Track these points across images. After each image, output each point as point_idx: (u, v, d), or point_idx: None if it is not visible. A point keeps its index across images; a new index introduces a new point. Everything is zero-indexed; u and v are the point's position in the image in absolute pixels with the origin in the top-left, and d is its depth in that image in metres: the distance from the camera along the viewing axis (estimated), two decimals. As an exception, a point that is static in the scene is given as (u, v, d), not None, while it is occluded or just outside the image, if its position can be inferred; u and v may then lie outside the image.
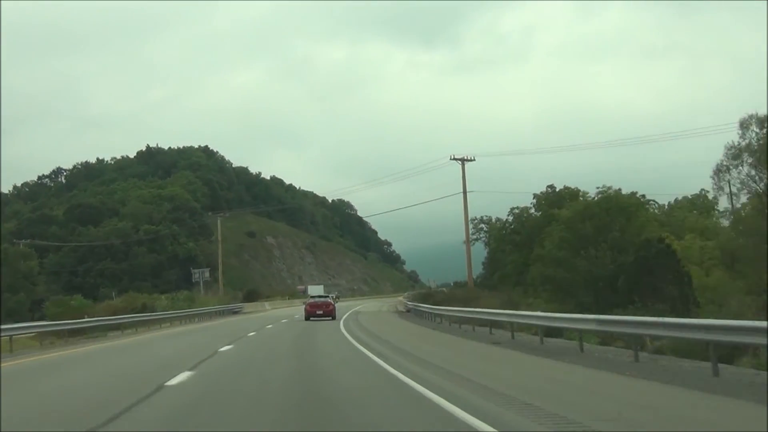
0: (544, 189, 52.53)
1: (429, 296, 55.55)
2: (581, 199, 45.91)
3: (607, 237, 40.70)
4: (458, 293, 38.53)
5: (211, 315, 49.27)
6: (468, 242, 46.66)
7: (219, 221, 75.32)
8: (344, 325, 34.26)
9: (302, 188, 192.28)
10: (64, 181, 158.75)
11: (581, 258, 38.85)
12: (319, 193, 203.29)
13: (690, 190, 61.68)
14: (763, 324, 11.57)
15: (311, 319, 43.11)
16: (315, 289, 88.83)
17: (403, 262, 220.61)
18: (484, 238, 79.15)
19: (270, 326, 35.78)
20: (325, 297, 51.31)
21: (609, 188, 43.75)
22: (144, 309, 42.97)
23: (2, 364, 18.32)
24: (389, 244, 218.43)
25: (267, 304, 64.15)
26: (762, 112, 37.16)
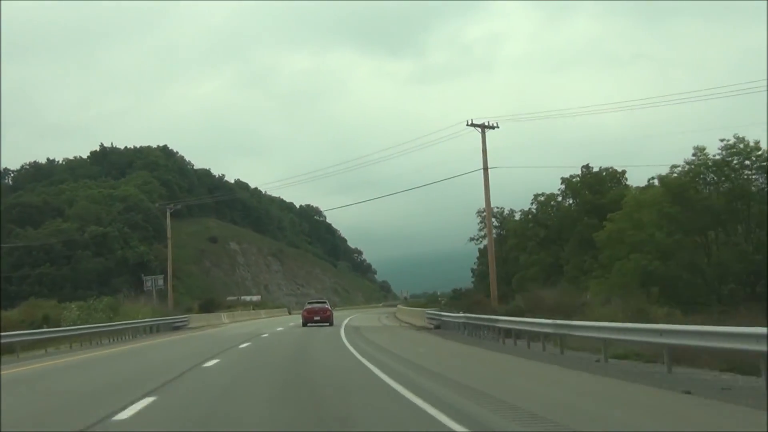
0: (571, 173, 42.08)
1: (456, 303, 43.44)
2: (625, 183, 35.76)
3: (740, 215, 30.05)
4: (547, 298, 26.01)
5: (137, 331, 35.67)
6: (490, 233, 36.02)
7: (168, 214, 64.78)
8: (380, 367, 16.69)
9: (269, 193, 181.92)
10: (10, 182, 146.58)
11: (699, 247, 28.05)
12: (287, 198, 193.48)
13: None
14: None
15: (309, 325, 42.85)
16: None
17: (374, 272, 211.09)
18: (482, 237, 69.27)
19: (213, 362, 19.02)
20: (323, 302, 51.24)
21: (741, 139, 30.87)
22: (45, 323, 31.94)
23: None
24: (359, 253, 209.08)
25: (225, 316, 53.02)
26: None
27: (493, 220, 50.69)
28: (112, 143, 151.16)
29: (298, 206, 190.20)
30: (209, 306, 66.56)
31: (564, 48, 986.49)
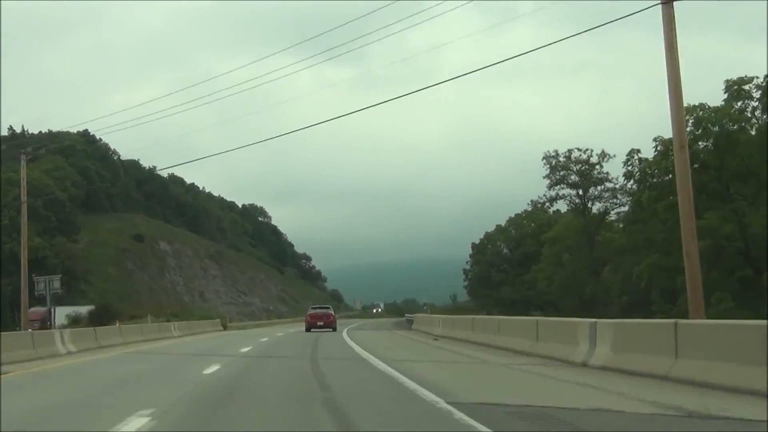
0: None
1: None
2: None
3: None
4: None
5: None
6: (685, 140, 17.62)
7: (24, 163, 45.01)
8: None
9: (207, 189, 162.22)
10: None
11: None
12: (228, 197, 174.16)
13: None
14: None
15: (312, 330, 43.73)
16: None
17: (324, 279, 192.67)
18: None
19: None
20: (326, 308, 51.43)
21: None
22: None
23: None
24: (308, 259, 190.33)
25: (119, 336, 30.15)
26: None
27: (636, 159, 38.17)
28: (23, 126, 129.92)
29: (240, 206, 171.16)
30: (106, 314, 47.44)
31: (507, 56, 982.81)
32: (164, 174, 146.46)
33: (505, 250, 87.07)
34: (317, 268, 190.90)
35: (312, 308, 51.52)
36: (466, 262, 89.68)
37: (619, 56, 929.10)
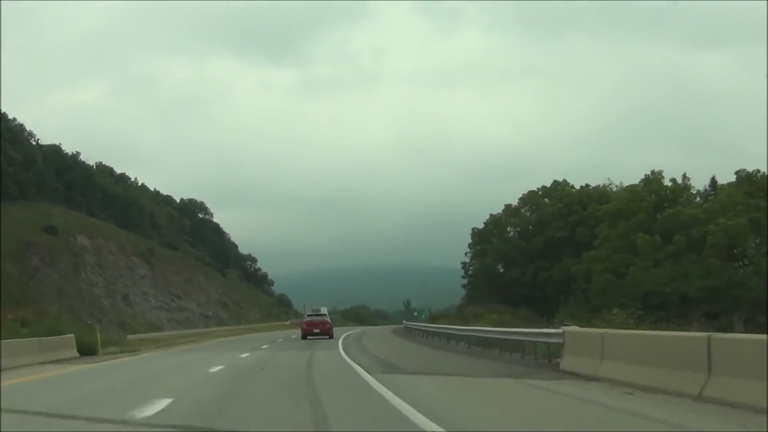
0: None
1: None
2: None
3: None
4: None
5: None
6: None
7: None
8: None
9: (140, 180, 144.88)
10: None
11: None
12: (164, 190, 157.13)
13: None
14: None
15: (308, 338, 43.41)
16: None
17: (271, 283, 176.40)
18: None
19: None
20: (323, 315, 50.14)
21: None
22: None
23: None
24: (253, 260, 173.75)
25: None
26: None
27: None
28: None
29: (178, 200, 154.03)
30: None
31: (452, 62, 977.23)
32: (90, 163, 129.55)
33: (511, 233, 73.11)
34: (263, 271, 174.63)
35: (308, 315, 50.74)
36: (465, 254, 75.10)
37: (564, 62, 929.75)
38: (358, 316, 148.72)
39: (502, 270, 71.39)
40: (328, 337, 43.39)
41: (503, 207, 74.91)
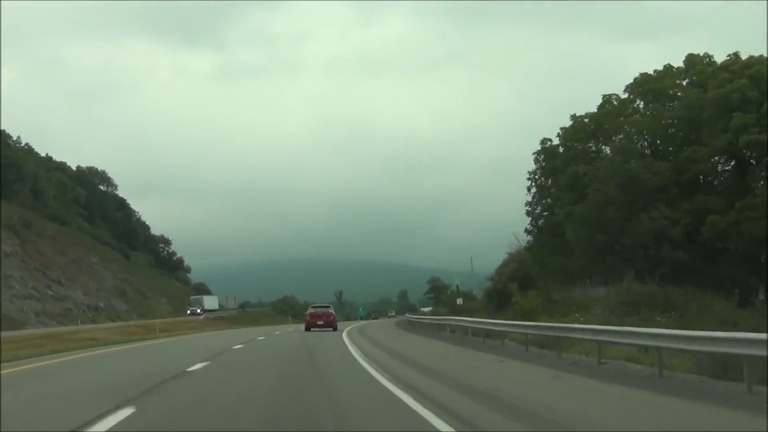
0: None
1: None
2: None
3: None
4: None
5: None
6: None
7: None
8: None
9: (27, 142, 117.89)
10: None
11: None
12: (57, 156, 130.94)
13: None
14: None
15: (312, 330, 42.77)
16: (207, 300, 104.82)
17: (188, 270, 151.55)
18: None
19: None
20: (326, 307, 50.27)
21: None
22: None
23: None
24: (167, 243, 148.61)
25: None
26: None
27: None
28: None
29: (74, 168, 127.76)
30: None
31: (376, 49, 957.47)
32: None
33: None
34: (179, 255, 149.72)
35: (312, 307, 50.83)
36: (528, 187, 48.10)
37: (487, 51, 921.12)
38: (293, 309, 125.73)
39: (612, 217, 39.75)
40: (332, 329, 42.85)
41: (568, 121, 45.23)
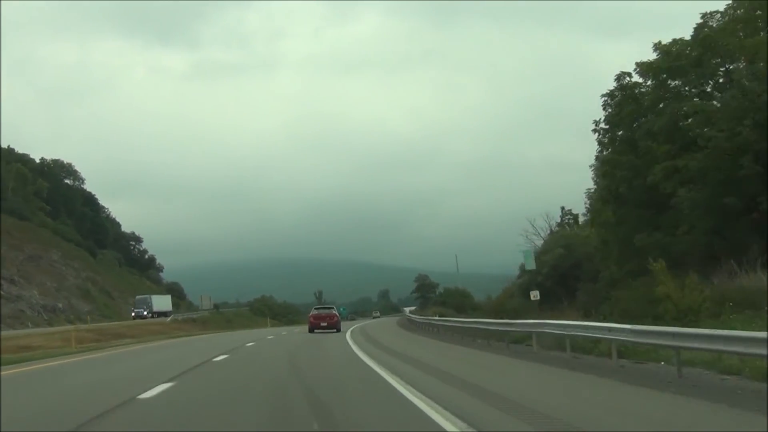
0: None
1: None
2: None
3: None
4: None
5: None
6: None
7: None
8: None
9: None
10: None
11: None
12: (20, 148, 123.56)
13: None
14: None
15: (315, 331, 42.99)
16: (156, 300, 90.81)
17: (160, 269, 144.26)
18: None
19: None
20: (330, 308, 51.65)
21: None
22: None
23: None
24: (138, 240, 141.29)
25: None
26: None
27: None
28: None
29: (38, 160, 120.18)
30: None
31: (351, 47, 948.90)
32: None
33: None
34: (151, 253, 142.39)
35: (315, 309, 51.55)
36: (599, 140, 36.79)
37: (464, 48, 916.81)
38: (271, 310, 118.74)
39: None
40: (335, 330, 43.16)
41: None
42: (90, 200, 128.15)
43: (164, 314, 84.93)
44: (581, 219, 55.02)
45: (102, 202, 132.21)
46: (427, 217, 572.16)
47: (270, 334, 48.03)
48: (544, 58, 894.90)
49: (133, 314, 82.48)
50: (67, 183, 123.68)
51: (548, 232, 60.06)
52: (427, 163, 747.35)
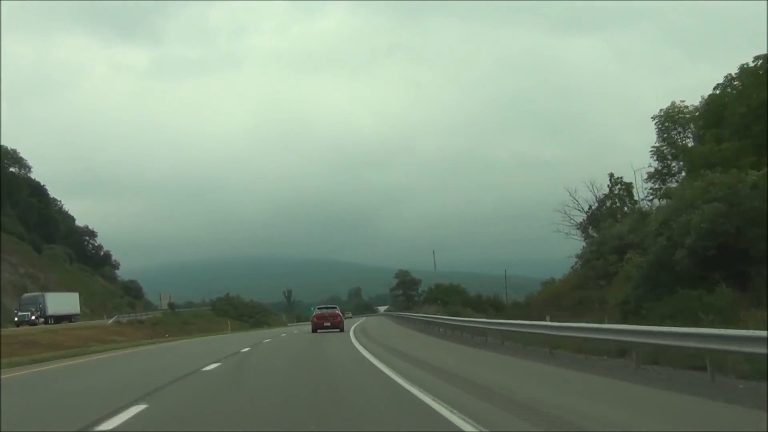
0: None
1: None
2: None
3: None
4: None
5: None
6: None
7: None
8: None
9: None
10: None
11: None
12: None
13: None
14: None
15: (319, 331, 43.45)
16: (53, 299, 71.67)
17: (116, 266, 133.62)
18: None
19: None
20: (333, 308, 51.29)
21: None
22: None
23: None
24: (92, 235, 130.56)
25: None
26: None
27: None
28: None
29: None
30: None
31: (316, 44, 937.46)
32: None
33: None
34: (106, 249, 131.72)
35: (318, 309, 51.27)
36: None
37: (431, 45, 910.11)
38: (237, 310, 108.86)
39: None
40: (339, 330, 43.19)
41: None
42: (38, 190, 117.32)
43: (67, 318, 69.30)
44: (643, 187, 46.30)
45: (66, 201, 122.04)
46: (397, 216, 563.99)
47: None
48: (511, 56, 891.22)
49: (16, 319, 64.58)
50: (12, 171, 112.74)
51: (594, 205, 51.88)
52: (395, 162, 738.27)
